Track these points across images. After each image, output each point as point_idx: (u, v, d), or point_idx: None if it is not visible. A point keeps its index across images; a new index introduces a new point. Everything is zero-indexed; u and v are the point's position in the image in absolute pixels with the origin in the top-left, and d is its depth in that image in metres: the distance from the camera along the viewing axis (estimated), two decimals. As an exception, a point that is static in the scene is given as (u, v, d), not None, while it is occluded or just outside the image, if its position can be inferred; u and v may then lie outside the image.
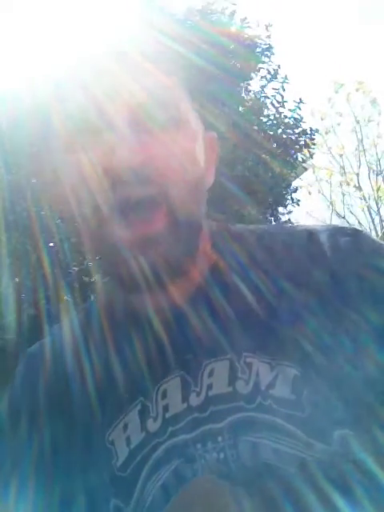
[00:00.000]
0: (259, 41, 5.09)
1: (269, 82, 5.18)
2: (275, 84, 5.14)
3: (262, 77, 5.25)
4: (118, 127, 0.52)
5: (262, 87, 5.26)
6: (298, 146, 5.26)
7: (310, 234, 0.62)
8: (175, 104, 0.55)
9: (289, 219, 5.43)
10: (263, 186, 4.76)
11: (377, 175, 12.04)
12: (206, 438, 0.52)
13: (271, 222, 5.31)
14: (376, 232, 11.93)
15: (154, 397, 0.56)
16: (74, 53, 0.56)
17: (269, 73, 5.17)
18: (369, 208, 12.12)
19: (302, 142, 5.25)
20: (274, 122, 5.15)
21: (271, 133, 5.10)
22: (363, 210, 12.07)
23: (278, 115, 5.15)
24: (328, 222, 12.30)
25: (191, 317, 0.58)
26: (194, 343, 0.57)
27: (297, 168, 5.61)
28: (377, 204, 12.06)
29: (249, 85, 5.32)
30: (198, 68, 0.63)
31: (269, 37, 5.15)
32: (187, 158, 0.55)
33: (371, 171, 12.17)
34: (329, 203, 12.10)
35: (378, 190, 12.02)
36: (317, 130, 5.49)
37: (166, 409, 0.55)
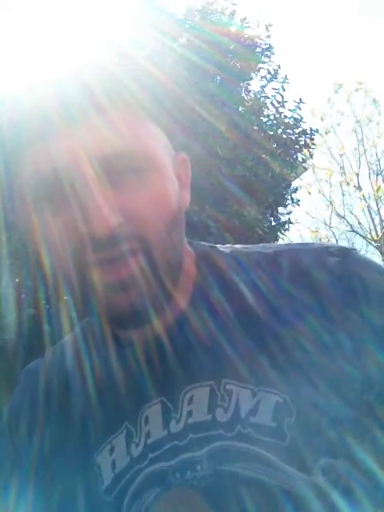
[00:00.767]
0: (259, 41, 5.08)
1: (269, 82, 5.18)
2: (275, 84, 5.14)
3: (262, 77, 5.24)
4: (87, 189, 0.51)
5: (262, 87, 5.25)
6: (297, 146, 5.25)
7: (297, 255, 0.61)
8: (142, 150, 0.54)
9: (289, 219, 5.43)
10: (263, 185, 4.75)
11: (377, 175, 12.06)
12: (186, 466, 0.52)
13: (271, 221, 5.30)
14: (376, 232, 11.93)
15: (137, 422, 0.57)
16: (33, 104, 0.52)
17: (269, 73, 5.16)
18: (369, 208, 12.13)
19: (302, 142, 5.24)
20: (274, 122, 5.15)
21: (271, 133, 5.09)
22: (363, 210, 12.09)
23: (277, 115, 5.14)
24: (328, 222, 12.31)
25: (173, 343, 0.58)
26: (175, 369, 0.57)
27: (297, 168, 5.60)
28: (377, 204, 12.07)
29: (249, 85, 5.32)
30: (164, 89, 0.60)
31: (269, 37, 5.15)
32: (161, 201, 0.55)
33: (371, 171, 12.18)
34: (329, 203, 12.12)
35: (378, 190, 12.02)
36: (317, 130, 5.49)
37: (147, 435, 0.55)
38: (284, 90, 5.08)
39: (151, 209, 0.54)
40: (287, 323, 0.56)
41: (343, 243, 11.50)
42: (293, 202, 5.48)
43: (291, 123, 5.19)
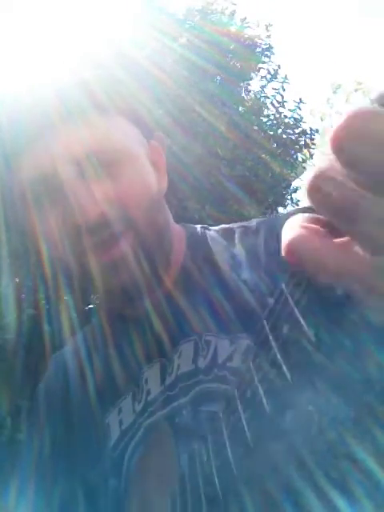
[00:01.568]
0: (259, 41, 5.09)
1: (269, 81, 5.18)
2: (275, 84, 5.14)
3: (262, 77, 5.24)
4: (70, 185, 0.59)
5: (262, 87, 5.25)
6: (297, 146, 5.25)
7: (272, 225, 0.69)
8: (116, 146, 0.62)
9: (289, 219, 5.42)
10: (263, 185, 4.75)
11: (377, 175, 12.08)
12: (174, 412, 0.59)
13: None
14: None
15: (140, 384, 0.65)
16: (14, 106, 0.59)
17: (269, 73, 5.16)
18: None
19: (302, 142, 5.24)
20: (274, 122, 5.15)
21: (271, 133, 5.09)
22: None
23: (277, 115, 5.14)
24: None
25: (165, 312, 0.67)
26: (168, 333, 0.65)
27: (297, 168, 5.60)
28: (377, 204, 12.09)
29: (249, 85, 5.32)
30: (128, 84, 0.66)
31: (269, 37, 5.15)
32: (140, 186, 0.63)
33: (371, 171, 12.20)
34: (329, 203, 12.13)
35: (378, 189, 12.05)
36: (317, 130, 5.49)
37: (148, 393, 0.64)
38: (284, 90, 5.08)
39: (133, 193, 0.62)
40: (263, 294, 0.62)
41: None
42: (293, 202, 5.48)
43: (291, 123, 5.19)
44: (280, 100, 5.12)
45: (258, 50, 5.11)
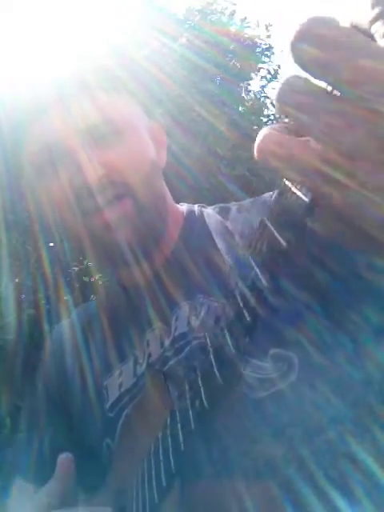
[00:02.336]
0: (259, 41, 5.09)
1: (269, 82, 5.18)
2: (275, 84, 5.14)
3: (262, 77, 5.24)
4: (73, 152, 0.64)
5: (262, 87, 5.25)
6: (297, 146, 5.25)
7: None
8: (118, 117, 0.67)
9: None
10: (263, 185, 4.75)
11: (377, 175, 12.08)
12: (171, 371, 0.63)
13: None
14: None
15: (142, 347, 0.69)
16: (30, 81, 0.65)
17: (269, 73, 5.16)
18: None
19: (302, 142, 5.24)
20: (274, 122, 5.15)
21: (271, 133, 5.09)
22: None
23: (278, 115, 5.14)
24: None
25: (164, 279, 0.71)
26: (167, 298, 0.69)
27: (297, 168, 5.60)
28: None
29: (249, 85, 5.32)
30: (139, 69, 0.74)
31: (269, 37, 5.15)
32: (138, 153, 0.68)
33: (371, 171, 12.19)
34: (329, 203, 12.14)
35: (378, 189, 12.04)
36: (317, 130, 5.48)
37: (149, 355, 0.67)
38: (284, 90, 5.08)
39: (131, 159, 0.66)
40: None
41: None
42: (293, 202, 5.48)
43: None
44: (280, 100, 5.11)
45: (258, 49, 5.11)
